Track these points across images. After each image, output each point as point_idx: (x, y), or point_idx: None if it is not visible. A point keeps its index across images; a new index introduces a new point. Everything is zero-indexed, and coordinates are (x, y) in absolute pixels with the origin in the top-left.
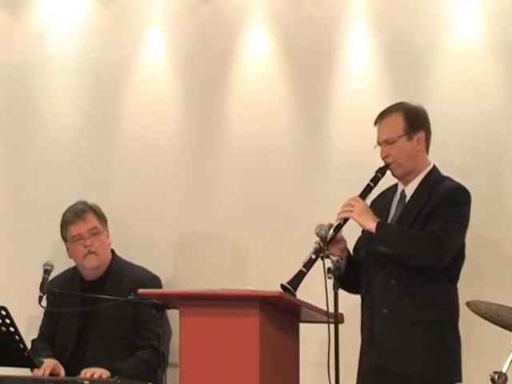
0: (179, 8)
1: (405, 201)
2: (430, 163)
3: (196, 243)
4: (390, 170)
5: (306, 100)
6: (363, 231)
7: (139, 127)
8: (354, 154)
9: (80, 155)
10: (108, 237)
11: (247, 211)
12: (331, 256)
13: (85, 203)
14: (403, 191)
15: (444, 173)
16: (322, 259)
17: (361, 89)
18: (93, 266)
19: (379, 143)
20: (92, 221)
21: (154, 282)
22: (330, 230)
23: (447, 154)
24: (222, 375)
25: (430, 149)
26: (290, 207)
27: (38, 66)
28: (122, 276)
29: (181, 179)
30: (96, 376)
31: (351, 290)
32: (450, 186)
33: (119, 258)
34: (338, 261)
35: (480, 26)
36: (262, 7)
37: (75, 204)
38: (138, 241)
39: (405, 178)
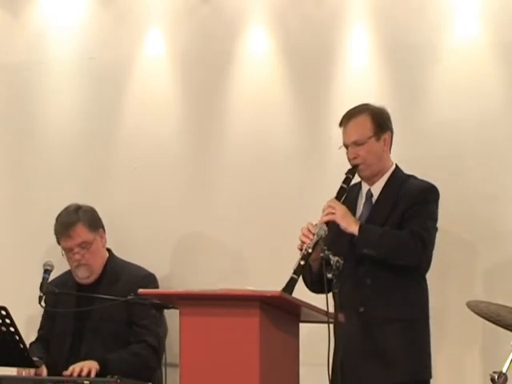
0: (179, 8)
1: (371, 200)
2: (392, 163)
3: (196, 243)
4: (358, 171)
5: (306, 100)
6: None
7: (139, 127)
8: None
9: (79, 155)
10: (102, 238)
11: (247, 211)
12: (331, 256)
13: (75, 210)
14: (369, 191)
15: (443, 173)
16: (323, 259)
17: (361, 89)
18: (83, 276)
19: (345, 145)
20: (80, 235)
21: (149, 279)
22: (313, 235)
23: (446, 154)
24: (222, 375)
25: (428, 148)
26: (290, 207)
27: (38, 66)
28: (118, 276)
29: (181, 179)
30: (85, 371)
31: (322, 289)
32: (420, 184)
33: (115, 258)
34: (338, 261)
35: (480, 26)
36: (262, 7)
37: (66, 209)
38: (137, 241)
39: (371, 178)
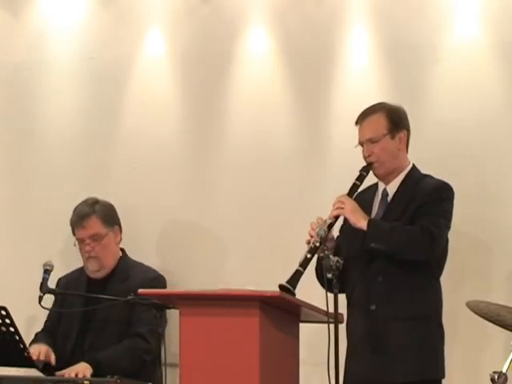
0: (179, 8)
1: (387, 199)
2: (409, 162)
3: (196, 243)
4: (373, 169)
5: (306, 100)
6: (341, 231)
7: (139, 127)
8: (354, 154)
9: (79, 155)
10: (116, 236)
11: (247, 211)
12: (331, 256)
13: (93, 203)
14: (385, 190)
15: (443, 173)
16: (323, 259)
17: (361, 89)
18: (93, 270)
19: (361, 143)
20: (93, 227)
21: (157, 281)
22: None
23: (446, 154)
24: (222, 375)
25: (428, 148)
26: (291, 207)
27: (38, 66)
28: (128, 275)
29: (181, 179)
30: (80, 376)
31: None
32: (434, 183)
33: (127, 258)
34: (338, 261)
35: (480, 26)
36: (262, 7)
37: (84, 201)
38: (137, 240)
39: (386, 177)
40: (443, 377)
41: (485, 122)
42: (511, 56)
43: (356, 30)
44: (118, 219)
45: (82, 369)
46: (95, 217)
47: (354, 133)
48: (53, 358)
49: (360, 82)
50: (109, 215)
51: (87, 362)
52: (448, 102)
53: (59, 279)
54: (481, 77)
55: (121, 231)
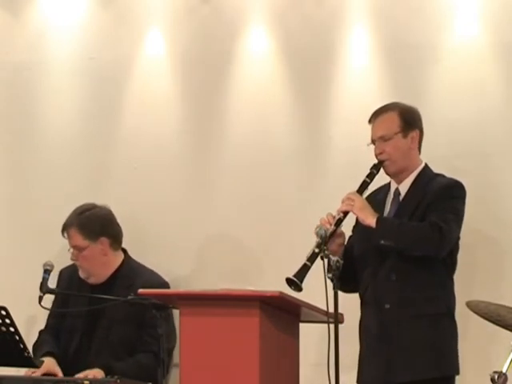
0: (179, 8)
1: (399, 198)
2: (422, 162)
3: (196, 243)
4: (384, 167)
5: (306, 100)
6: (354, 230)
7: (139, 127)
8: (354, 154)
9: (79, 155)
10: (104, 247)
11: (247, 211)
12: (331, 256)
13: (80, 212)
14: (397, 189)
15: (443, 173)
16: (322, 259)
17: (361, 89)
18: (82, 276)
19: (373, 141)
20: (73, 238)
21: (162, 288)
22: (330, 225)
23: (446, 154)
24: (222, 375)
25: (429, 148)
26: (291, 207)
27: (38, 66)
28: (133, 280)
29: (181, 179)
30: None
31: (344, 287)
32: (445, 181)
33: (131, 261)
34: (338, 261)
35: (480, 26)
36: (262, 7)
37: (76, 209)
38: (137, 240)
39: (397, 176)
40: (457, 373)
41: (485, 122)
42: (511, 56)
43: (356, 30)
44: (109, 229)
45: (94, 373)
46: (74, 229)
47: (353, 133)
48: (59, 373)
49: (360, 82)
50: (94, 227)
51: (100, 367)
52: (448, 101)
53: (61, 271)
54: (481, 77)
55: (115, 240)
